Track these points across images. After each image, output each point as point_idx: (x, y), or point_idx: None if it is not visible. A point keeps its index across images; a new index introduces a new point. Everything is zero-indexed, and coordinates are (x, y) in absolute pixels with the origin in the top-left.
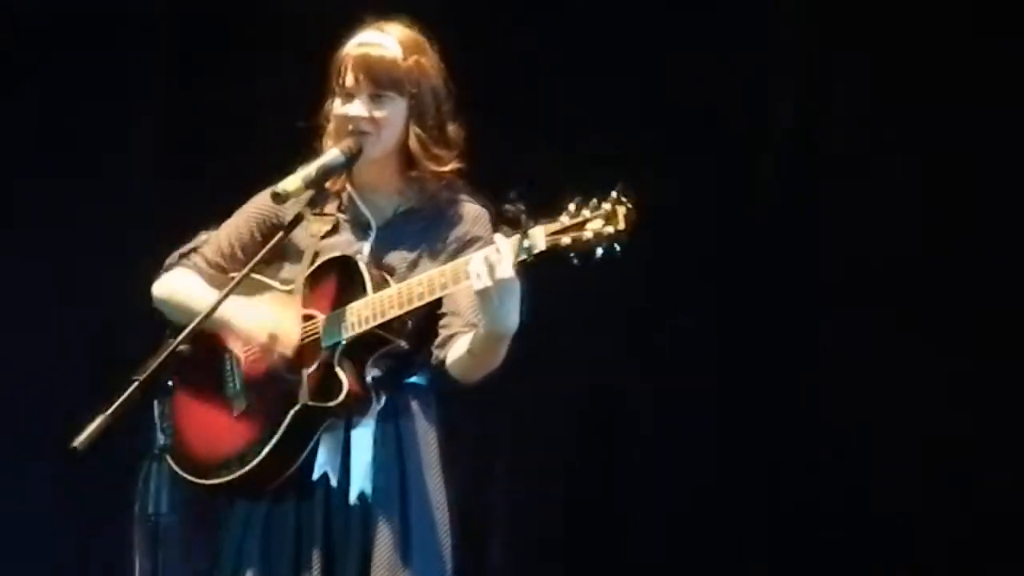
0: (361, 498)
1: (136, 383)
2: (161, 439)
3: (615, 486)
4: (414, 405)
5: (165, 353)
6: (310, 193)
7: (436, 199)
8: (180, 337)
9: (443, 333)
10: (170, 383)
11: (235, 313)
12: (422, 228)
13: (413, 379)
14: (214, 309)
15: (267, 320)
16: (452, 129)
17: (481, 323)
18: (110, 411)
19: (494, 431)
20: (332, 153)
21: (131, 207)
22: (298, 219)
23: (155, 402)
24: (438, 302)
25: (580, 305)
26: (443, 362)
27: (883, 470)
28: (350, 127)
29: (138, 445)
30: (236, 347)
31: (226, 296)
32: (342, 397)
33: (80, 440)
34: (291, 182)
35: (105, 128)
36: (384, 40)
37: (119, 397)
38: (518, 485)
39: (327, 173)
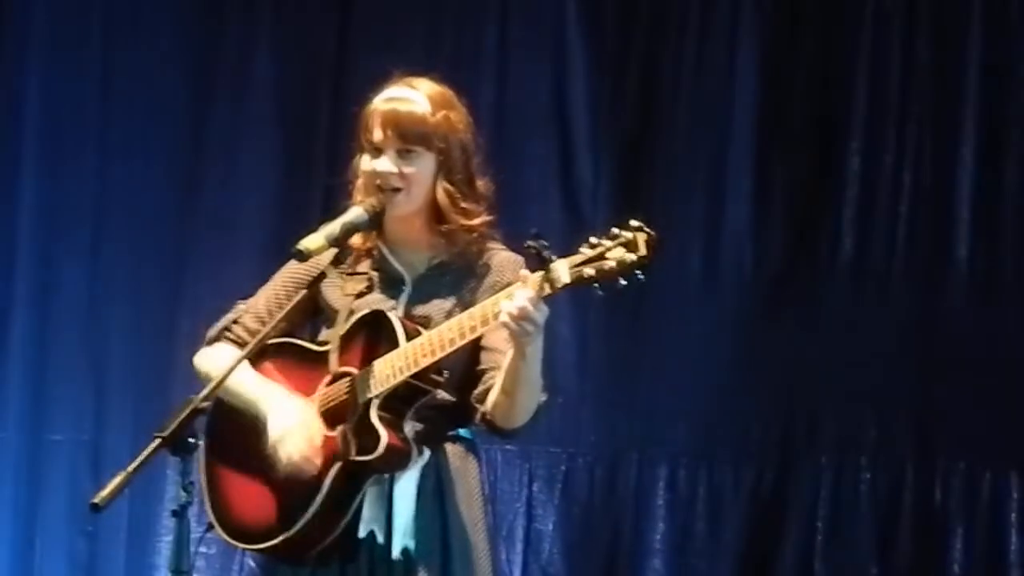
0: (404, 553)
1: (158, 440)
2: (183, 496)
3: None
4: (458, 459)
5: (186, 411)
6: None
7: (467, 252)
8: (201, 396)
9: (482, 387)
10: (192, 440)
11: (266, 404)
12: (454, 281)
13: (459, 432)
14: (230, 372)
15: (285, 424)
16: (481, 184)
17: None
18: (131, 468)
19: None
20: (355, 211)
21: None
22: (320, 277)
23: (178, 460)
24: (477, 354)
25: None
26: (485, 414)
27: None
28: (379, 183)
29: None
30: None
31: (240, 362)
32: (380, 451)
33: (101, 496)
34: (314, 240)
35: None
36: (412, 95)
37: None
38: None
39: (350, 231)
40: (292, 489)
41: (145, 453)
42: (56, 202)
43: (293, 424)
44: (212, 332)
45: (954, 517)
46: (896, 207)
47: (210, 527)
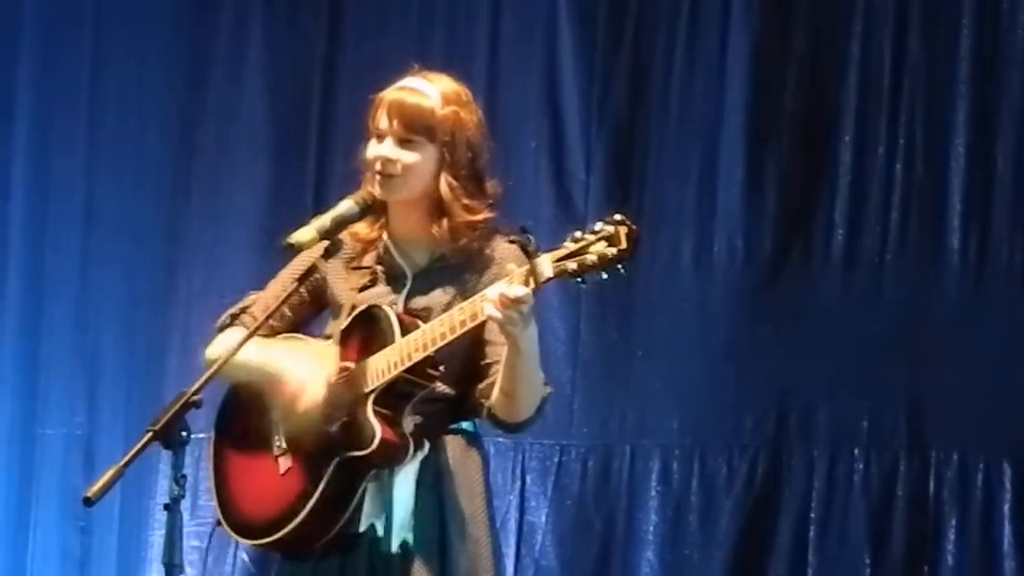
0: (403, 546)
1: (150, 433)
2: (175, 490)
3: None
4: (459, 452)
5: (178, 404)
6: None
7: (468, 246)
8: (193, 389)
9: (487, 382)
10: (184, 433)
11: (274, 361)
12: (455, 275)
13: (460, 425)
14: (224, 362)
15: (302, 367)
16: (490, 185)
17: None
18: (123, 461)
19: None
20: (346, 204)
21: None
22: (311, 271)
23: (170, 453)
24: (479, 348)
25: None
26: (489, 408)
27: None
28: (377, 167)
29: None
30: (279, 401)
31: (238, 349)
32: (375, 445)
33: (93, 490)
34: (305, 233)
35: None
36: (424, 87)
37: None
38: None
39: (341, 224)
40: (294, 484)
41: (137, 446)
42: (47, 195)
43: (312, 365)
44: (222, 320)
45: (947, 508)
46: (888, 199)
47: (218, 523)
